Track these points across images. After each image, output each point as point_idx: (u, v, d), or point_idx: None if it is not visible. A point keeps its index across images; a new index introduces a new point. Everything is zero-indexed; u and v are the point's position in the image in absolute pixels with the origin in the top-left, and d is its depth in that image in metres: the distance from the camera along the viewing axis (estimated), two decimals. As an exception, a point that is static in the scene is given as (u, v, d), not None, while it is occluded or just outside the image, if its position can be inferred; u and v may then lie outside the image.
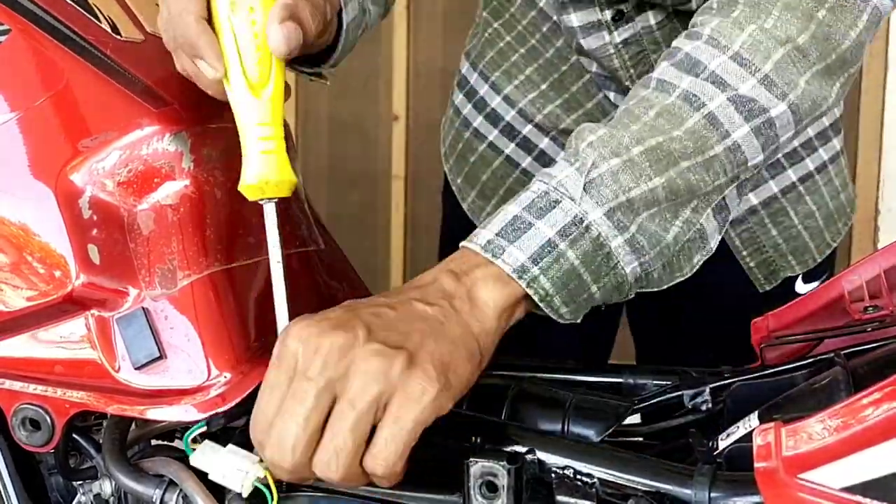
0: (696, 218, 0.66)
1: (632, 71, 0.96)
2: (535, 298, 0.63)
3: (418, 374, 0.57)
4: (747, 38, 0.66)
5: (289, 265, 0.78)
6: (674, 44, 0.71)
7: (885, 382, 0.51)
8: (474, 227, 0.67)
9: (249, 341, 0.71)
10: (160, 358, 0.68)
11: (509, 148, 1.09)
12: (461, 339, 0.60)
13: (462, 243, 0.66)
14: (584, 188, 0.63)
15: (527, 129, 1.07)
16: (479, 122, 1.11)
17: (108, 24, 0.75)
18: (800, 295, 0.85)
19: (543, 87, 1.06)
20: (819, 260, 1.05)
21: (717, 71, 0.66)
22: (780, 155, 0.93)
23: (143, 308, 0.69)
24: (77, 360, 0.70)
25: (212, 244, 0.71)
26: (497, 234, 0.63)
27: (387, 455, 0.57)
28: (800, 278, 1.04)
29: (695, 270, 0.69)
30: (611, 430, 0.67)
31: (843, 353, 0.70)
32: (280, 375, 0.59)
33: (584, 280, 0.64)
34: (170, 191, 0.71)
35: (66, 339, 0.70)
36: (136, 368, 0.68)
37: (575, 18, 0.96)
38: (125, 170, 0.70)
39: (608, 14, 0.94)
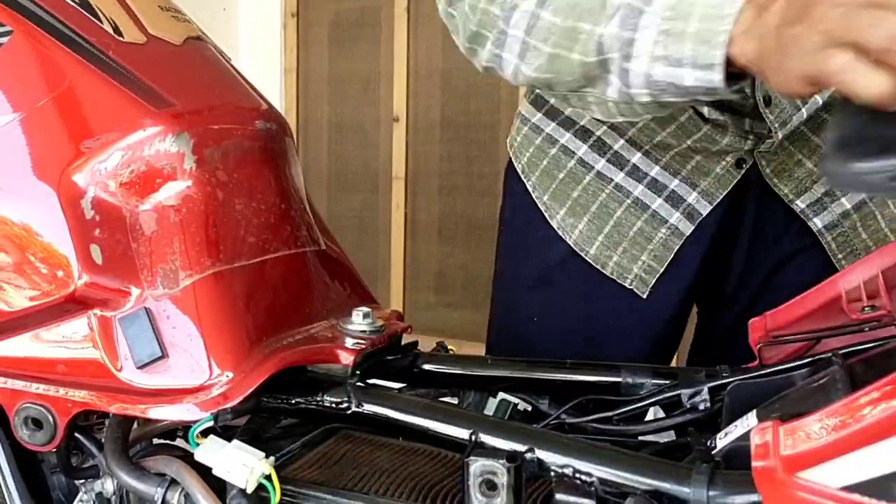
0: None
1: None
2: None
3: None
4: None
5: (289, 265, 0.79)
6: None
7: (883, 382, 0.52)
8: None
9: (251, 340, 0.71)
10: (162, 357, 0.68)
11: (600, 164, 1.07)
12: None
13: None
14: None
15: (619, 145, 1.06)
16: (567, 138, 1.09)
17: (111, 25, 0.76)
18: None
19: None
20: None
21: None
22: None
23: (146, 308, 0.69)
24: (79, 359, 0.70)
25: (213, 244, 0.72)
26: None
27: None
28: None
29: None
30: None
31: (840, 352, 0.70)
32: None
33: None
34: (172, 191, 0.71)
35: (69, 339, 0.70)
36: (138, 368, 0.68)
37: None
38: (127, 170, 0.70)
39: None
